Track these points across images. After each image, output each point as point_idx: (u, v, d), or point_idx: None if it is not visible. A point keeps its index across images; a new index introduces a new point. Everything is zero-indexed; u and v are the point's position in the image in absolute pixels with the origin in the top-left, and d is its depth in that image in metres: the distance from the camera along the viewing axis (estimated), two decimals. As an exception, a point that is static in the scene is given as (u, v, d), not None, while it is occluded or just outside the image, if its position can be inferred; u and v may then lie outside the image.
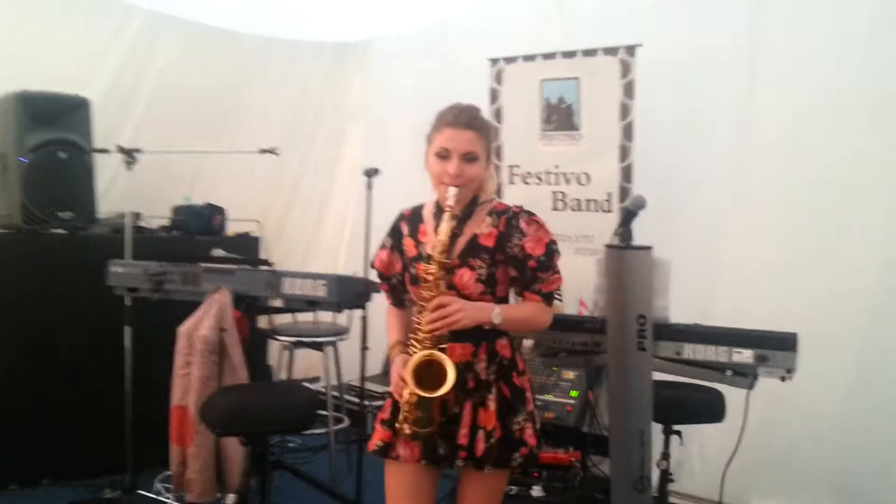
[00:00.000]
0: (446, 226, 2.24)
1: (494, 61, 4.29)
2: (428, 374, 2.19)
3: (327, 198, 5.79)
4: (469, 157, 2.30)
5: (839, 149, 3.56)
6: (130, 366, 3.91)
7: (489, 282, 2.33)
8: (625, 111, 3.91)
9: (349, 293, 3.44)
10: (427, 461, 2.35)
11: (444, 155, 2.31)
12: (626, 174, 3.94)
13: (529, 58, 4.18)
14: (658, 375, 2.91)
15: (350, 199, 5.63)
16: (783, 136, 3.74)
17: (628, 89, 3.88)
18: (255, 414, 2.99)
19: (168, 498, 3.84)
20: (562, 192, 4.15)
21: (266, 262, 3.59)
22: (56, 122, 4.11)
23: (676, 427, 3.33)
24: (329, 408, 4.30)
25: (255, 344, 3.79)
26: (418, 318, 2.29)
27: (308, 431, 4.41)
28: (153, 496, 3.89)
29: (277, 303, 3.55)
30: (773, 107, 3.77)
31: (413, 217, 2.50)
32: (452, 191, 2.27)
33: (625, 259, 2.78)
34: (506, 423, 2.34)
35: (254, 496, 3.21)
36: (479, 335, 2.33)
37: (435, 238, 2.28)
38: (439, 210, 2.35)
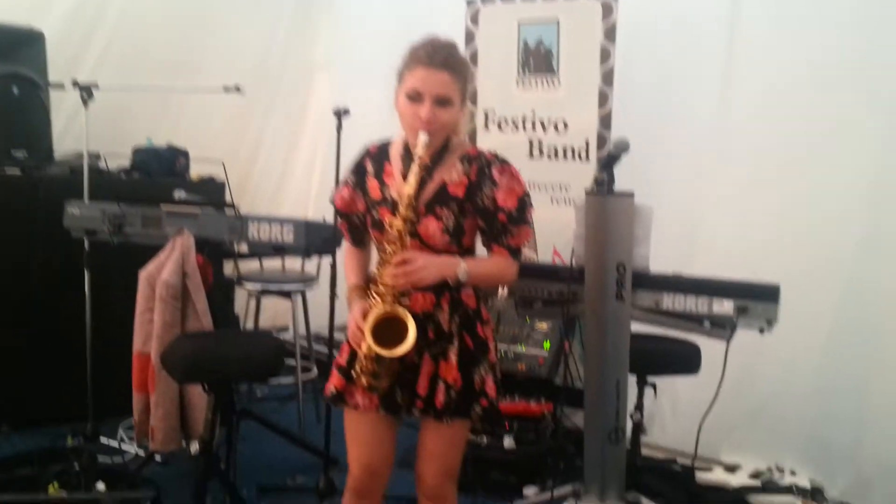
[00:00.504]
0: (414, 178, 2.10)
1: (470, 1, 4.15)
2: (388, 328, 2.10)
3: (296, 141, 5.62)
4: (443, 101, 2.14)
5: (823, 98, 3.49)
6: (90, 311, 3.79)
7: (456, 232, 2.22)
8: (605, 55, 3.80)
9: (317, 238, 3.34)
10: (385, 410, 2.28)
11: (415, 97, 2.14)
12: (606, 121, 3.84)
13: (507, -2, 4.05)
14: (634, 327, 2.86)
15: (319, 142, 5.47)
16: (766, 86, 3.66)
17: (610, 32, 3.77)
18: (217, 361, 2.90)
19: (131, 446, 3.75)
20: (538, 140, 4.05)
21: (231, 205, 3.45)
22: (8, 56, 3.89)
23: (651, 379, 3.29)
24: (297, 357, 4.21)
25: (220, 292, 3.67)
26: (380, 270, 2.18)
27: (275, 381, 4.40)
28: (116, 444, 3.80)
29: (243, 248, 3.44)
30: (757, 54, 3.69)
31: (379, 155, 2.34)
32: (423, 138, 2.11)
33: (605, 205, 2.70)
34: (467, 374, 2.26)
35: (221, 446, 3.13)
36: (443, 284, 2.20)
37: (402, 188, 2.16)
38: (407, 152, 2.21)
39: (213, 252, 3.45)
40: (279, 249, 3.40)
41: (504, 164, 2.26)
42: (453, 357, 2.24)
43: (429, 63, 2.12)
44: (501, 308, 3.21)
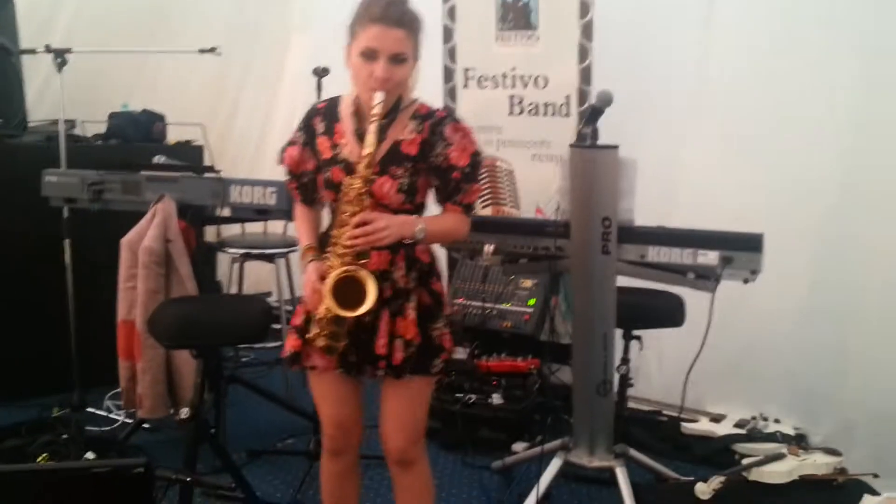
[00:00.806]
0: (372, 137, 2.06)
1: (448, -43, 4.09)
2: (346, 289, 2.08)
3: (274, 103, 5.52)
4: (398, 59, 2.09)
5: (802, 54, 3.48)
6: (72, 281, 3.75)
7: (410, 191, 2.20)
8: (584, 9, 3.77)
9: (301, 200, 3.30)
10: (342, 369, 2.28)
11: (369, 55, 2.08)
12: (586, 76, 3.82)
13: (485, -49, 3.99)
14: (617, 281, 2.87)
15: (298, 103, 5.39)
16: (745, 38, 3.64)
17: (589, -16, 3.73)
18: (206, 325, 2.88)
19: (118, 415, 3.75)
20: (519, 97, 4.02)
21: (212, 169, 3.42)
22: (-23, 23, 3.81)
23: (636, 332, 3.32)
24: (282, 321, 4.20)
25: (202, 258, 3.64)
26: (337, 231, 2.15)
27: (260, 346, 4.40)
28: (103, 413, 3.79)
29: (225, 212, 3.41)
30: (738, 7, 3.67)
31: (328, 113, 2.29)
32: (379, 97, 2.06)
33: (590, 159, 2.69)
34: (425, 329, 2.26)
35: (209, 411, 3.12)
36: (399, 242, 2.19)
37: (356, 147, 2.14)
38: (358, 111, 2.18)
39: (195, 217, 3.42)
40: (262, 212, 3.37)
41: (456, 121, 2.25)
42: (412, 313, 2.24)
43: (383, 19, 2.07)
44: (489, 264, 3.20)
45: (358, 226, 2.08)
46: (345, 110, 2.26)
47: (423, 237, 2.18)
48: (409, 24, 2.12)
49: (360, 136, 2.17)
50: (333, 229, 2.18)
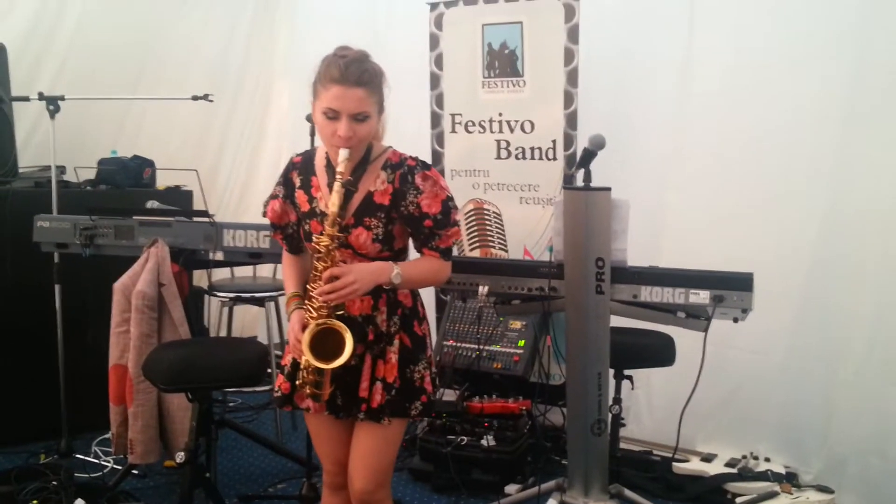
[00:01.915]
0: (336, 197, 2.09)
1: (434, 5, 4.17)
2: (325, 340, 2.11)
3: (258, 148, 5.57)
4: (360, 117, 2.11)
5: (781, 97, 3.57)
6: (62, 326, 3.73)
7: (386, 240, 2.25)
8: (569, 56, 3.85)
9: (294, 244, 3.32)
10: (330, 412, 2.31)
11: (332, 116, 2.11)
12: (572, 121, 3.89)
13: (471, 1, 4.08)
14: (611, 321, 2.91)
15: (283, 149, 5.44)
16: (725, 84, 3.74)
17: (573, 33, 3.82)
18: (202, 369, 2.87)
19: (107, 461, 3.70)
20: (505, 141, 4.09)
21: (205, 213, 3.43)
22: (-30, 70, 3.83)
23: (627, 372, 3.35)
24: (272, 364, 4.18)
25: (190, 303, 3.64)
26: (311, 286, 2.19)
27: (250, 389, 4.37)
28: (91, 459, 3.74)
29: (218, 256, 3.42)
30: (714, 53, 3.76)
31: (304, 167, 2.33)
32: (343, 154, 2.09)
33: (584, 200, 2.75)
34: (405, 372, 2.29)
35: (200, 455, 3.10)
36: (381, 286, 2.23)
37: (326, 206, 2.17)
38: (330, 164, 2.22)
39: (188, 261, 3.42)
40: (255, 256, 3.39)
41: (426, 168, 2.27)
42: (392, 357, 2.27)
43: (342, 80, 2.09)
44: (482, 305, 3.23)
45: (328, 281, 2.11)
46: (319, 163, 2.31)
47: (398, 282, 2.20)
48: (369, 82, 2.13)
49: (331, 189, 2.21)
50: (309, 283, 2.22)
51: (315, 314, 2.15)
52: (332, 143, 2.15)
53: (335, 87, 2.09)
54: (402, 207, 2.22)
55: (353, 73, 2.09)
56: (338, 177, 2.09)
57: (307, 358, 2.11)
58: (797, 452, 3.59)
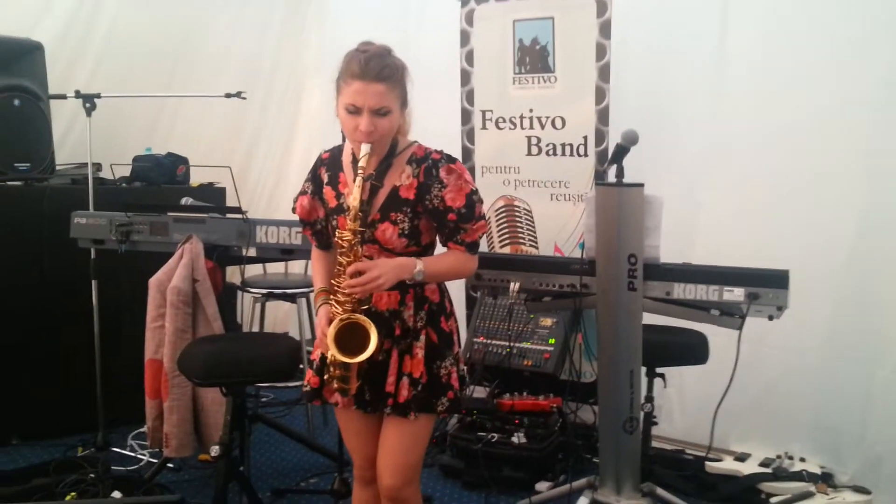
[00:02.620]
0: (357, 191, 2.10)
1: (465, 1, 4.17)
2: (351, 335, 2.12)
3: (290, 145, 5.61)
4: (381, 112, 2.12)
5: (814, 93, 3.52)
6: (98, 321, 3.78)
7: (412, 234, 2.25)
8: (601, 52, 3.83)
9: (327, 239, 3.34)
10: (358, 407, 2.32)
11: (353, 111, 2.12)
12: (603, 116, 3.87)
13: (502, -3, 4.07)
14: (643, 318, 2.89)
15: (313, 146, 5.45)
16: (758, 79, 3.69)
17: (605, 29, 3.80)
18: (236, 363, 2.91)
19: (143, 454, 3.75)
20: (536, 137, 4.08)
21: (238, 210, 3.46)
22: (9, 68, 3.88)
23: (660, 370, 3.33)
24: (303, 360, 4.21)
25: (223, 299, 3.68)
26: (336, 281, 2.20)
27: (282, 384, 4.42)
28: (127, 452, 3.80)
29: (251, 252, 3.45)
30: (748, 48, 3.72)
31: (332, 163, 2.35)
32: (365, 149, 2.11)
33: (616, 197, 2.73)
34: (432, 368, 2.29)
35: (234, 450, 3.13)
36: (406, 282, 2.24)
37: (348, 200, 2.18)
38: (355, 160, 2.20)
39: (221, 257, 3.46)
40: (287, 252, 3.42)
41: (451, 161, 2.27)
42: (419, 352, 2.27)
43: (362, 76, 2.10)
44: (513, 302, 3.22)
45: (353, 276, 2.12)
46: (346, 159, 2.32)
47: (421, 278, 2.21)
48: (390, 77, 2.13)
49: None
50: (333, 278, 2.24)
51: (340, 309, 2.17)
52: (355, 139, 2.16)
53: (356, 83, 2.10)
54: (427, 201, 2.23)
55: (373, 68, 2.10)
56: (359, 171, 2.11)
57: (332, 352, 2.12)
58: (833, 452, 3.54)
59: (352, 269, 2.13)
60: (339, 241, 2.17)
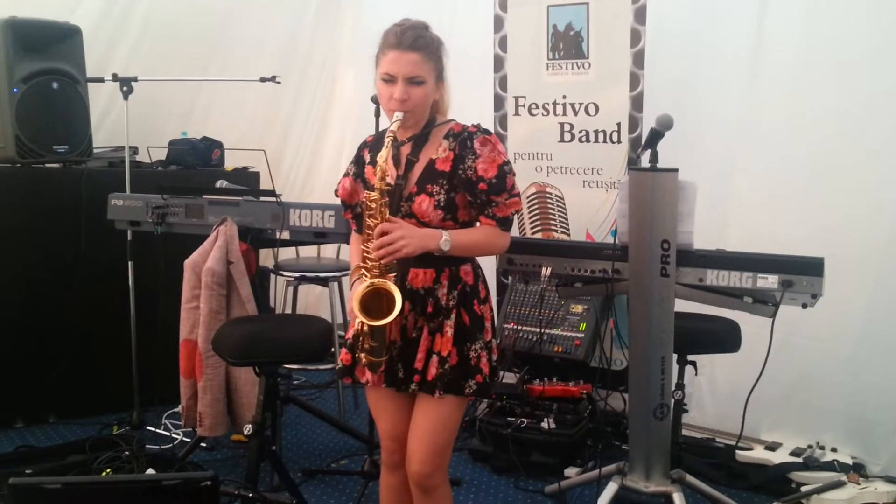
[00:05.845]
0: (385, 151, 2.17)
1: (499, -13, 4.16)
2: (377, 302, 2.15)
3: (323, 130, 5.62)
4: (415, 81, 2.21)
5: (852, 82, 3.47)
6: (134, 301, 3.84)
7: (448, 207, 2.27)
8: (636, 37, 3.79)
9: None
10: (388, 385, 2.34)
11: (388, 79, 2.22)
12: (637, 103, 3.84)
13: (536, -18, 4.05)
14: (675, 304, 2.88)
15: (347, 131, 5.50)
16: (795, 66, 3.64)
17: (640, 14, 3.76)
18: (270, 344, 2.94)
19: (176, 433, 3.81)
20: (569, 124, 4.06)
21: (272, 193, 3.49)
22: (47, 51, 3.92)
23: (691, 357, 3.32)
24: (335, 344, 4.25)
25: (256, 282, 3.72)
26: (365, 245, 2.24)
27: (314, 367, 4.47)
28: (161, 431, 3.86)
29: (285, 235, 3.48)
30: (785, 35, 3.67)
31: (375, 144, 2.41)
32: (397, 115, 2.20)
33: (650, 182, 2.72)
34: (462, 349, 2.30)
35: (266, 430, 3.17)
36: (443, 261, 2.28)
37: (395, 172, 2.24)
38: (395, 137, 2.27)
39: (255, 240, 3.50)
40: (320, 235, 3.44)
41: (486, 133, 2.31)
42: (449, 331, 2.29)
43: (398, 45, 2.20)
44: (545, 287, 3.22)
45: (379, 236, 2.16)
46: (388, 139, 2.34)
47: (448, 248, 2.23)
48: (424, 47, 2.22)
49: (397, 162, 2.30)
50: (363, 243, 2.28)
51: (368, 275, 2.20)
52: (389, 107, 2.24)
53: (392, 52, 2.21)
54: (461, 171, 2.26)
55: (408, 38, 2.20)
56: (388, 134, 2.18)
57: (358, 316, 2.15)
58: (865, 443, 3.50)
59: (379, 229, 2.17)
60: (367, 203, 2.21)
